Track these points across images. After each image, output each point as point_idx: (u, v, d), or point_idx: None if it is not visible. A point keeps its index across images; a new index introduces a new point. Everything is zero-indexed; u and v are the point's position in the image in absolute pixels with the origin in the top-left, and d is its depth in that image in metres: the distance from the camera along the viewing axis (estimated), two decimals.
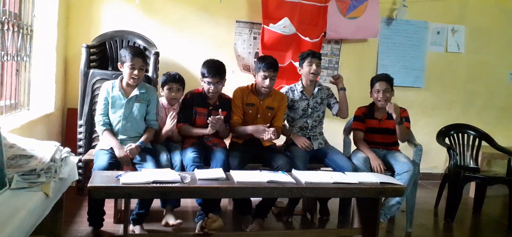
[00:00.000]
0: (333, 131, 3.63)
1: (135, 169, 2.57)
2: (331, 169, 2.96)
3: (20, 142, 2.10)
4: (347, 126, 3.39)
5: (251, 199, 2.96)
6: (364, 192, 2.47)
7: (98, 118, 2.67)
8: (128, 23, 3.79)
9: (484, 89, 4.85)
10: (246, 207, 2.92)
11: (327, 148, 3.12)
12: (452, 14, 4.65)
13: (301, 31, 4.02)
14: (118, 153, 2.56)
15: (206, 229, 2.39)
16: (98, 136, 2.91)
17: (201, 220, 2.61)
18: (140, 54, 2.65)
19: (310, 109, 3.12)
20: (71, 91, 3.78)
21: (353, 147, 3.28)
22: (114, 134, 2.67)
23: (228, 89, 3.05)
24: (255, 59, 3.71)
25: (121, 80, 2.72)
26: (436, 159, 4.73)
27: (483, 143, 3.72)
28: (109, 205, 2.71)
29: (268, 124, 2.88)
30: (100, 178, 2.15)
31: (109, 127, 2.66)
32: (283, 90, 3.18)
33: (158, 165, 2.58)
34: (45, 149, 2.10)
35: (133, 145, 2.58)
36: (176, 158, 2.73)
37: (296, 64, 4.00)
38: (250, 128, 2.86)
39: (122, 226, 2.52)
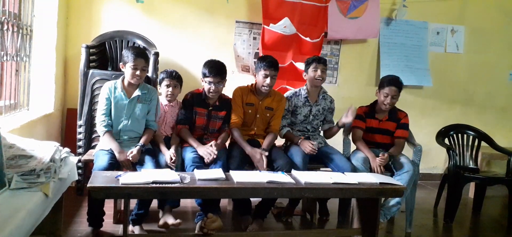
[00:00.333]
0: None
1: (134, 170, 2.57)
2: (331, 170, 2.96)
3: (19, 142, 2.10)
4: (347, 127, 3.39)
5: (251, 199, 2.95)
6: (364, 192, 2.47)
7: (100, 118, 2.66)
8: (128, 23, 3.79)
9: (483, 89, 4.86)
10: (246, 207, 2.92)
11: (327, 149, 3.12)
12: (451, 15, 4.65)
13: (301, 31, 4.02)
14: (119, 157, 2.56)
15: (206, 229, 2.39)
16: (98, 136, 2.92)
17: (200, 220, 2.60)
18: (142, 55, 2.66)
19: (311, 116, 3.12)
20: (71, 91, 3.78)
21: (352, 147, 3.28)
22: (114, 136, 2.66)
23: (228, 90, 3.06)
24: (256, 59, 3.71)
25: (123, 80, 2.72)
26: (435, 160, 4.73)
27: (483, 143, 3.72)
28: (108, 206, 2.71)
29: (267, 125, 2.88)
30: (99, 178, 2.15)
31: (110, 128, 2.65)
32: (288, 93, 3.17)
33: (158, 165, 2.58)
34: (44, 149, 2.10)
35: (135, 151, 2.56)
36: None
37: (297, 64, 4.02)
38: (248, 149, 2.84)
39: (121, 226, 2.52)
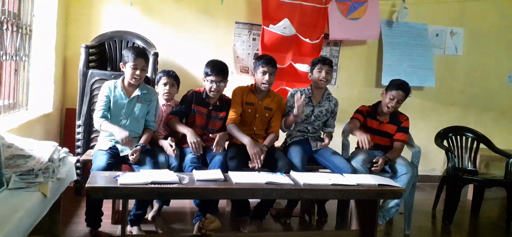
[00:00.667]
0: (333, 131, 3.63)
1: (132, 170, 2.57)
2: (330, 171, 2.96)
3: (18, 142, 2.10)
4: (346, 128, 3.39)
5: (249, 200, 2.95)
6: (362, 194, 2.47)
7: (98, 114, 2.64)
8: (127, 24, 3.79)
9: (482, 91, 4.86)
10: (244, 208, 2.92)
11: (326, 150, 3.11)
12: (450, 17, 4.66)
13: (301, 32, 4.02)
14: (120, 135, 2.52)
15: (204, 229, 2.39)
16: (97, 136, 2.92)
17: (198, 221, 2.60)
18: (142, 55, 2.66)
19: (313, 117, 3.12)
20: (70, 91, 3.78)
21: (351, 149, 3.28)
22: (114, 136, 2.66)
23: (227, 91, 3.06)
24: (254, 59, 3.71)
25: (123, 80, 2.73)
26: (434, 162, 4.74)
27: (481, 145, 3.73)
28: (107, 206, 2.71)
29: (266, 125, 2.87)
30: (98, 179, 2.14)
31: (107, 119, 2.65)
32: (293, 90, 3.16)
33: (156, 166, 2.58)
34: (43, 149, 2.10)
35: (134, 150, 2.55)
36: (174, 159, 2.73)
37: (296, 65, 4.02)
38: (245, 140, 2.81)
39: (119, 227, 2.52)
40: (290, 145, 3.08)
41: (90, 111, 3.23)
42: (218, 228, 2.45)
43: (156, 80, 3.05)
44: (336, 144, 3.34)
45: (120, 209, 2.64)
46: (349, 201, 2.91)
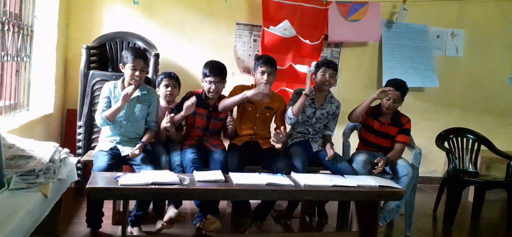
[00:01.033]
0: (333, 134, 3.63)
1: (133, 170, 2.57)
2: (330, 172, 2.96)
3: (19, 143, 2.10)
4: (346, 130, 3.39)
5: (250, 201, 2.95)
6: (363, 195, 2.47)
7: (99, 114, 2.65)
8: (128, 25, 3.79)
9: (483, 93, 4.86)
10: (245, 209, 2.91)
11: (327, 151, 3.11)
12: (451, 18, 4.66)
13: (301, 34, 4.03)
14: (123, 93, 2.54)
15: (204, 230, 2.39)
16: (97, 137, 2.92)
17: (199, 222, 2.60)
18: (141, 56, 2.66)
19: (314, 119, 3.11)
20: (71, 92, 3.78)
21: (352, 150, 3.28)
22: (113, 136, 2.66)
23: (228, 91, 3.06)
24: (254, 60, 3.71)
25: (123, 81, 2.73)
26: (435, 163, 4.73)
27: (482, 147, 3.72)
28: (107, 207, 2.71)
29: (267, 125, 2.87)
30: (99, 179, 2.15)
31: None
32: (298, 89, 3.16)
33: (157, 166, 2.58)
34: (44, 150, 2.10)
35: (137, 150, 2.53)
36: (175, 159, 2.73)
37: (296, 66, 4.02)
38: (248, 93, 2.80)
39: (120, 227, 2.52)
40: (291, 146, 3.08)
41: (91, 112, 3.24)
42: (219, 229, 2.45)
43: (157, 82, 3.04)
44: (336, 145, 3.34)
45: (121, 209, 2.64)
46: (350, 203, 2.91)
